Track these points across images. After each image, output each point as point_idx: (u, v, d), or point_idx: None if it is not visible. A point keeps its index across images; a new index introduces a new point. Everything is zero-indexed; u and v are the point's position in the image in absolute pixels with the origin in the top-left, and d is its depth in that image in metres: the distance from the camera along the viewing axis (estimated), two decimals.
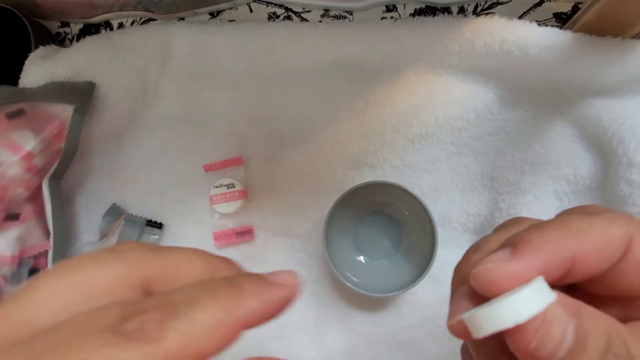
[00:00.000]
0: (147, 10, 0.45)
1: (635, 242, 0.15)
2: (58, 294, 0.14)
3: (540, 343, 0.14)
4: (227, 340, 0.13)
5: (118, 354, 0.12)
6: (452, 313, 0.16)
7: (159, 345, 0.12)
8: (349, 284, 0.39)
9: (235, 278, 0.15)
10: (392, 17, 0.43)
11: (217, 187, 0.44)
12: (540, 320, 0.14)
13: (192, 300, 0.13)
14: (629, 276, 0.16)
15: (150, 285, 0.15)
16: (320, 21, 0.44)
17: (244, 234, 0.44)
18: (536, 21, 0.38)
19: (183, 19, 0.46)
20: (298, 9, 0.45)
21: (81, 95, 0.42)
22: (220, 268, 0.16)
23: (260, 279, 0.15)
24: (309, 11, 0.45)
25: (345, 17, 0.44)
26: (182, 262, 0.15)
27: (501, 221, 0.39)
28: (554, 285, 0.15)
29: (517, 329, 0.14)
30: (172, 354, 0.12)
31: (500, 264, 0.15)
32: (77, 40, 0.47)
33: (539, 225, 0.16)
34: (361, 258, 0.43)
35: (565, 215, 0.17)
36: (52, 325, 0.13)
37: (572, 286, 0.17)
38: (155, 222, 0.45)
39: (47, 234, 0.42)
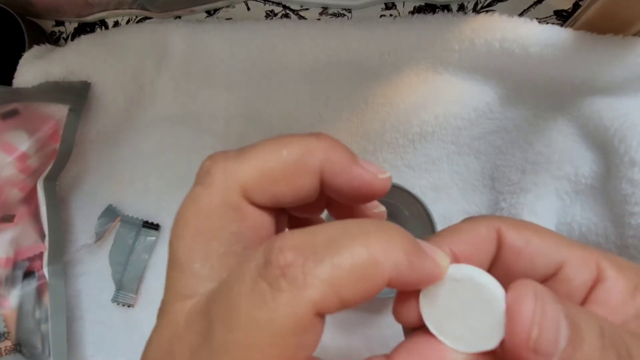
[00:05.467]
0: (143, 8, 0.45)
1: (504, 231, 0.17)
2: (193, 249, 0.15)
3: (541, 332, 0.13)
4: (370, 293, 0.13)
5: (268, 312, 0.12)
6: None
7: (303, 294, 0.12)
8: None
9: (386, 225, 0.14)
10: (391, 15, 0.43)
11: None
12: (532, 303, 0.13)
13: (336, 244, 0.13)
14: (516, 263, 0.17)
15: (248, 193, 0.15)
16: (319, 19, 0.44)
17: None
18: (537, 19, 0.38)
19: (179, 17, 0.46)
20: (296, 7, 0.44)
21: (76, 95, 0.42)
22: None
23: (413, 240, 0.14)
24: (307, 9, 0.44)
25: (344, 15, 0.44)
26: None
27: None
28: None
29: (515, 318, 0.13)
30: (315, 302, 0.12)
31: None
32: (72, 40, 0.47)
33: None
34: None
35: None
36: (215, 291, 0.14)
37: None
38: (152, 224, 0.44)
39: (42, 235, 0.41)
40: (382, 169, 0.17)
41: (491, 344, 0.14)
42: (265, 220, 0.16)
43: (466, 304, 0.15)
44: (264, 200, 0.16)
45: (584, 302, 0.17)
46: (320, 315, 0.13)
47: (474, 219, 0.18)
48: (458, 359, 0.14)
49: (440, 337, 0.15)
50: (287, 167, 0.16)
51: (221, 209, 0.15)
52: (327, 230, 0.13)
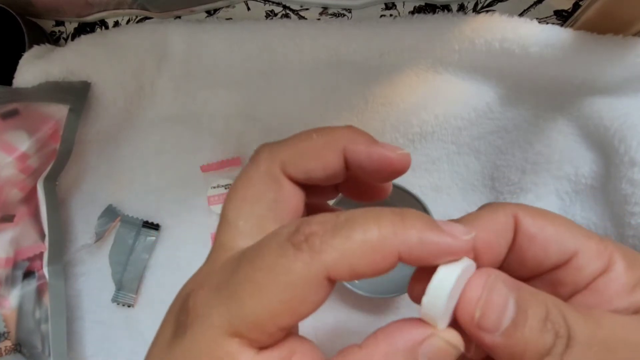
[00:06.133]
0: (143, 8, 0.45)
1: (521, 218, 0.18)
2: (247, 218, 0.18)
3: (484, 312, 0.15)
4: (380, 265, 0.15)
5: (286, 262, 0.14)
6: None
7: (318, 257, 0.14)
8: (348, 286, 0.38)
9: (403, 210, 0.16)
10: (391, 15, 0.43)
11: (214, 187, 0.43)
12: (480, 289, 0.16)
13: (352, 221, 0.15)
14: (529, 249, 0.18)
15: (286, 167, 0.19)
16: (319, 19, 0.44)
17: None
18: (537, 19, 0.38)
19: (179, 17, 0.46)
20: (296, 7, 0.44)
21: (76, 95, 0.42)
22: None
23: (429, 220, 0.16)
24: (307, 9, 0.44)
25: (344, 15, 0.44)
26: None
27: None
28: None
29: (462, 300, 0.16)
30: (328, 266, 0.14)
31: None
32: (72, 39, 0.47)
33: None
34: None
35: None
36: (252, 245, 0.16)
37: None
38: (152, 224, 0.44)
39: (42, 235, 0.41)
40: (400, 148, 0.19)
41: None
42: (297, 193, 0.19)
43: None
44: (297, 173, 0.19)
45: (584, 288, 0.18)
46: (330, 280, 0.15)
47: (492, 206, 0.19)
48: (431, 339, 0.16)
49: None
50: (317, 145, 0.19)
51: (264, 178, 0.18)
52: (350, 212, 0.16)
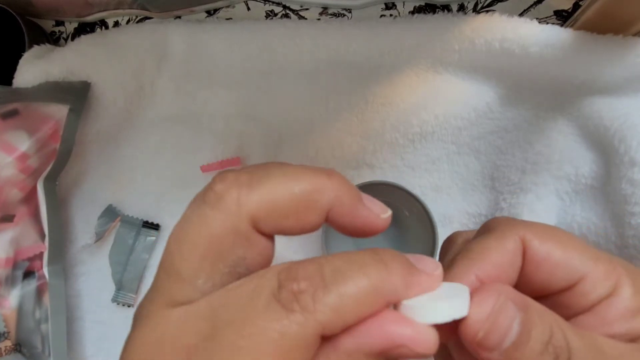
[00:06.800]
0: (143, 8, 0.45)
1: (528, 242, 0.18)
2: (198, 261, 0.15)
3: (487, 333, 0.15)
4: (369, 315, 0.15)
5: (280, 327, 0.14)
6: None
7: (313, 317, 0.14)
8: None
9: (382, 254, 0.16)
10: (391, 15, 0.43)
11: None
12: (488, 310, 0.16)
13: (341, 275, 0.14)
14: (535, 273, 0.18)
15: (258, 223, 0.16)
16: (319, 19, 0.44)
17: None
18: (537, 19, 0.38)
19: (179, 17, 0.46)
20: (296, 7, 0.44)
21: (76, 94, 0.42)
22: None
23: (406, 261, 0.16)
24: (307, 9, 0.44)
25: (344, 15, 0.44)
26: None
27: None
28: None
29: (468, 318, 0.16)
30: (323, 325, 0.14)
31: None
32: (72, 39, 0.47)
33: (452, 261, 0.19)
34: None
35: (471, 241, 0.19)
36: (223, 299, 0.15)
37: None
38: (152, 224, 0.44)
39: (42, 235, 0.41)
40: (384, 207, 0.18)
41: (445, 318, 0.16)
42: (268, 246, 0.17)
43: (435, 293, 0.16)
44: (271, 230, 0.17)
45: (587, 310, 0.17)
46: (323, 336, 0.14)
47: (500, 231, 0.18)
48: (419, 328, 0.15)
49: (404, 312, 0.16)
50: (298, 204, 0.16)
51: (230, 236, 0.16)
52: (333, 262, 0.15)
